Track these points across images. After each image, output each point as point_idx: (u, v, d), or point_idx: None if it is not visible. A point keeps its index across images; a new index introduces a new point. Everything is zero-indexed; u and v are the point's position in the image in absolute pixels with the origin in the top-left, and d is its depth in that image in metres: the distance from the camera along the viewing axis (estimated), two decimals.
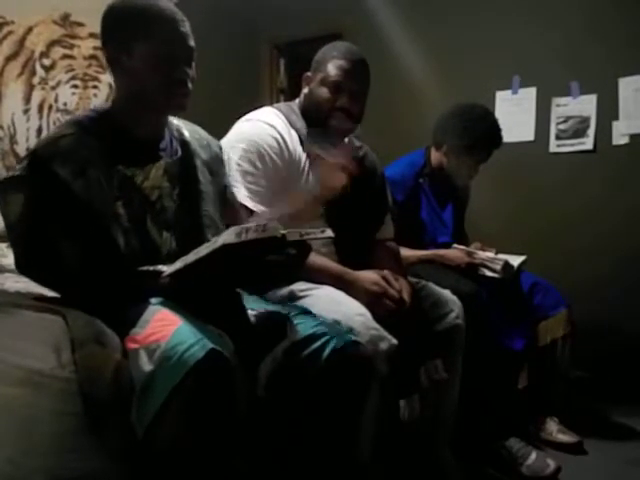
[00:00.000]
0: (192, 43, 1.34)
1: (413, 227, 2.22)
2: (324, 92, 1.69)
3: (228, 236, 1.09)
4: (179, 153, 1.42)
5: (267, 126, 1.68)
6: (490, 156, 2.26)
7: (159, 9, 1.31)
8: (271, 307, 1.37)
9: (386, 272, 1.62)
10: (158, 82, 1.30)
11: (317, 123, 1.71)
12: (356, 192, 1.77)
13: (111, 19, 1.34)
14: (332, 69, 1.68)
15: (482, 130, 2.19)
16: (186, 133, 1.47)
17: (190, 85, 1.34)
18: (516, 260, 2.19)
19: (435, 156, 2.29)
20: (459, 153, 2.21)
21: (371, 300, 1.54)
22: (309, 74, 1.76)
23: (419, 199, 2.26)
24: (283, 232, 1.12)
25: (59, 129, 1.29)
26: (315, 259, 1.58)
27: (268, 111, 1.76)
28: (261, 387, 1.23)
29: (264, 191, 1.62)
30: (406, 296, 1.60)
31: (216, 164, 1.51)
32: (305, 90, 1.76)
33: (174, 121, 1.48)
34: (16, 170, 1.28)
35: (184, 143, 1.45)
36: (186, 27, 1.33)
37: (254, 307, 1.33)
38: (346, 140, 1.83)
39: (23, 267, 1.32)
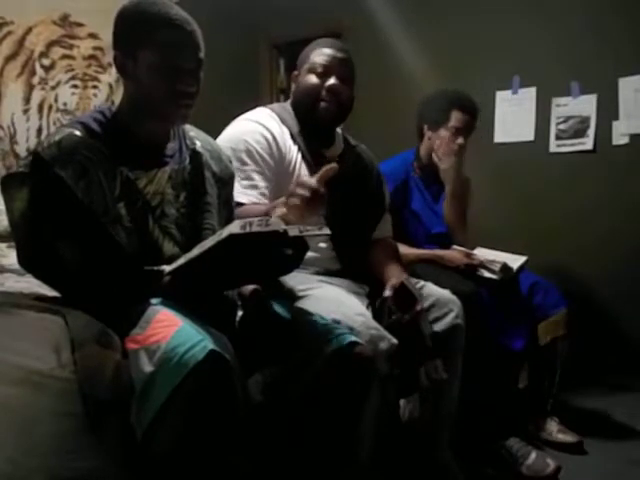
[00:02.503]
0: (201, 55, 1.31)
1: (406, 218, 2.23)
2: (312, 78, 1.71)
3: (233, 227, 1.09)
4: (187, 162, 1.41)
5: (255, 124, 1.70)
6: (468, 125, 2.24)
7: (168, 18, 1.27)
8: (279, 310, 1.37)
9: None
10: (160, 92, 1.28)
11: (307, 112, 1.72)
12: (353, 191, 1.77)
13: (120, 23, 1.32)
14: (317, 56, 1.72)
15: (448, 95, 2.29)
16: (198, 143, 1.46)
17: (195, 96, 1.32)
18: (517, 262, 2.18)
19: (422, 147, 2.33)
20: (436, 124, 2.26)
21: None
22: (296, 72, 1.79)
23: (410, 190, 2.29)
24: (284, 227, 1.12)
25: (62, 130, 1.29)
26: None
27: (259, 110, 1.78)
28: (256, 394, 1.24)
29: (256, 185, 1.63)
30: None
31: (226, 177, 1.50)
32: (294, 87, 1.80)
33: (190, 132, 1.47)
34: (20, 166, 1.29)
35: (195, 153, 1.43)
36: (195, 38, 1.30)
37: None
38: (339, 130, 1.83)
39: (25, 264, 1.33)
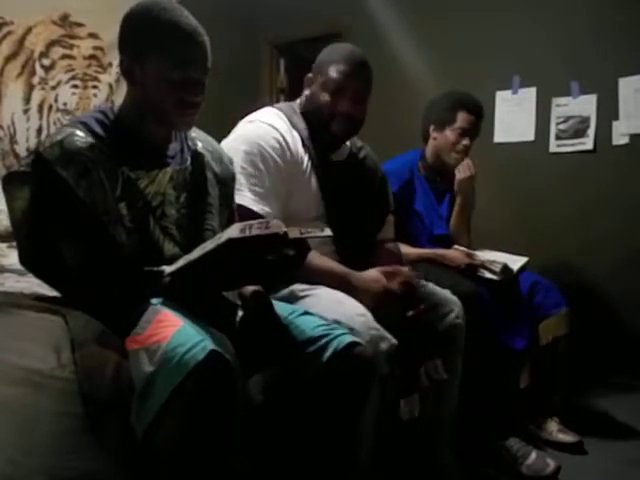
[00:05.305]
0: (208, 64, 1.30)
1: (408, 218, 2.23)
2: (325, 97, 1.66)
3: (232, 231, 1.09)
4: (188, 162, 1.40)
5: (269, 127, 1.67)
6: (474, 126, 2.25)
7: (179, 27, 1.26)
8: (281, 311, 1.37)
9: (385, 269, 1.59)
10: (167, 102, 1.28)
11: (319, 126, 1.70)
12: (357, 192, 1.77)
13: (128, 27, 1.30)
14: (333, 73, 1.66)
15: (455, 96, 2.30)
16: (200, 144, 1.46)
17: (200, 105, 1.32)
18: (517, 263, 2.19)
19: (428, 148, 2.34)
20: (442, 124, 2.27)
21: (376, 300, 1.53)
22: (310, 76, 1.74)
23: (414, 190, 2.29)
24: (285, 229, 1.12)
25: (64, 129, 1.28)
26: (318, 261, 1.57)
27: (270, 112, 1.75)
28: (256, 394, 1.24)
29: (269, 193, 1.61)
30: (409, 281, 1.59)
31: (227, 178, 1.49)
32: (306, 92, 1.75)
33: (192, 132, 1.46)
34: (21, 166, 1.29)
35: (197, 154, 1.43)
36: (204, 48, 1.29)
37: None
38: (348, 144, 1.82)
39: (26, 264, 1.33)
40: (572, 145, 2.92)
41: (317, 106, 1.69)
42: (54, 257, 1.25)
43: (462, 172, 2.26)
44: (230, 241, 1.08)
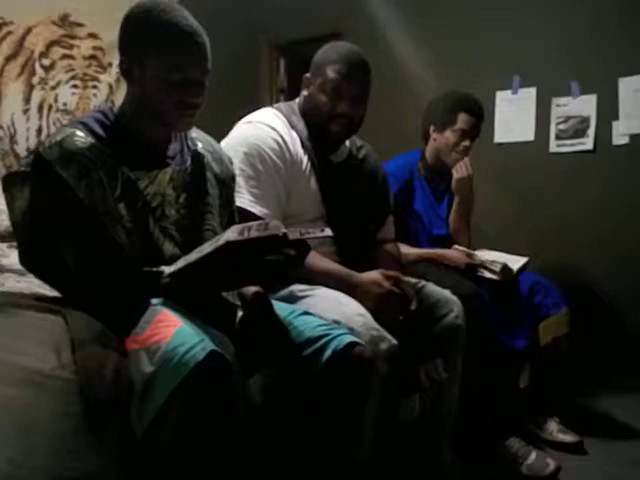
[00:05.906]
0: (208, 65, 1.30)
1: (408, 218, 2.24)
2: (323, 99, 1.66)
3: (231, 234, 1.09)
4: (188, 163, 1.40)
5: (268, 128, 1.66)
6: (474, 128, 2.25)
7: (179, 29, 1.25)
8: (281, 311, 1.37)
9: (386, 272, 1.60)
10: (166, 103, 1.28)
11: (317, 127, 1.69)
12: (357, 192, 1.77)
13: (128, 28, 1.30)
14: (331, 74, 1.64)
15: (456, 97, 2.29)
16: (200, 145, 1.46)
17: (200, 106, 1.32)
18: (517, 263, 2.19)
19: (428, 149, 2.34)
20: (442, 125, 2.26)
21: (376, 302, 1.53)
22: (308, 76, 1.73)
23: (413, 191, 2.30)
24: (284, 231, 1.12)
25: (63, 130, 1.28)
26: (318, 261, 1.57)
27: (269, 112, 1.74)
28: (256, 395, 1.24)
29: (268, 194, 1.61)
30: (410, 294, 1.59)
31: (227, 179, 1.49)
32: (305, 92, 1.74)
33: (192, 133, 1.46)
34: (21, 166, 1.29)
35: (197, 154, 1.43)
36: (204, 49, 1.29)
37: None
38: (347, 144, 1.82)
39: (26, 264, 1.33)
40: (572, 145, 2.92)
41: (316, 107, 1.68)
42: (54, 257, 1.25)
43: (459, 171, 2.26)
44: (228, 243, 1.08)
